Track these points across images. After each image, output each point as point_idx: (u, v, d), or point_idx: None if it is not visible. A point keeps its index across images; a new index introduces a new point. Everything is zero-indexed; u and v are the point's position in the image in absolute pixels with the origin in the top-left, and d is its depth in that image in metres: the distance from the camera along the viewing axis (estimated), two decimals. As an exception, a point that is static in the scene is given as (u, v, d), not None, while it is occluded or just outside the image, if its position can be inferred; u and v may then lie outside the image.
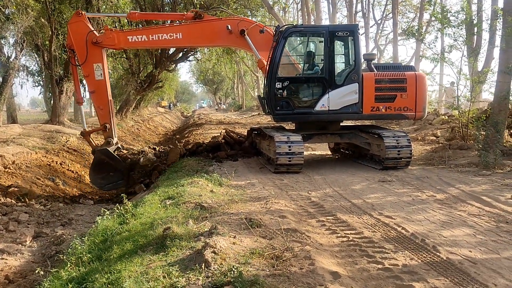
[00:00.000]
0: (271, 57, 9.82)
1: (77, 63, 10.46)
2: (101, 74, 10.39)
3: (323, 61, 9.86)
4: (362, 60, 10.06)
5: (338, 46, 10.22)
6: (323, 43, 9.81)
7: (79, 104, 11.57)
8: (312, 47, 10.45)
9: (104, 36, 10.37)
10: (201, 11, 10.80)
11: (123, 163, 10.96)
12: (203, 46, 9.45)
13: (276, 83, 9.79)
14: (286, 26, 10.21)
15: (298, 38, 10.66)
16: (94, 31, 10.56)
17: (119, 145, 11.49)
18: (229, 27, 10.20)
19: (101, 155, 10.76)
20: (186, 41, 10.82)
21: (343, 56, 10.25)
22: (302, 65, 10.44)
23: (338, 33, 9.88)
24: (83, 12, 10.65)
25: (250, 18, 24.13)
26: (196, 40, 10.78)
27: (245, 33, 10.15)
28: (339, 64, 10.21)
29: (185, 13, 10.83)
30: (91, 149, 11.17)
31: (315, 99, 9.86)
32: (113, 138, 10.87)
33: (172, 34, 10.34)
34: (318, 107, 9.80)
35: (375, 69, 9.90)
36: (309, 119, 10.15)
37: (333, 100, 9.78)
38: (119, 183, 10.90)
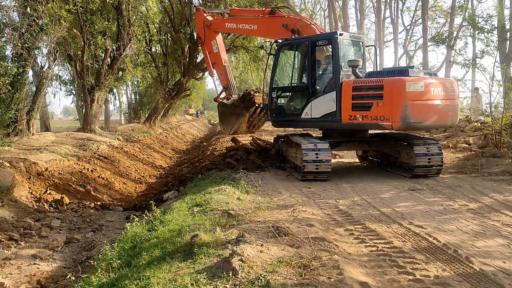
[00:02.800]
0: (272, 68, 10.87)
1: (203, 44, 13.21)
2: (216, 47, 12.79)
3: (306, 71, 10.26)
4: (344, 67, 9.73)
5: (321, 55, 10.28)
6: (306, 54, 10.17)
7: (212, 76, 13.69)
8: (298, 57, 10.84)
9: (213, 21, 12.80)
10: (275, 8, 11.93)
11: (234, 108, 12.31)
12: (269, 38, 10.90)
13: (272, 92, 10.87)
14: (280, 39, 10.84)
15: (290, 50, 11.14)
16: (207, 17, 12.96)
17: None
18: (285, 24, 11.05)
19: (220, 107, 12.98)
20: (258, 32, 12.31)
21: (324, 64, 10.23)
22: (291, 75, 11.15)
23: (318, 43, 10.03)
24: (200, 8, 13.87)
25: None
26: (264, 32, 12.03)
27: (298, 32, 10.73)
28: (321, 73, 10.26)
29: (264, 9, 12.42)
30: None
31: (301, 107, 10.32)
32: (232, 95, 12.73)
33: (251, 25, 11.99)
34: (303, 115, 10.22)
35: (361, 76, 9.47)
36: (297, 126, 11.26)
37: (315, 108, 10.00)
38: (235, 121, 12.43)
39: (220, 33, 13.20)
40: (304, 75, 10.53)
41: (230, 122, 12.57)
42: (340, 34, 9.87)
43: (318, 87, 10.08)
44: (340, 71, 9.60)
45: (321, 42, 10.03)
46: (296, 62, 10.96)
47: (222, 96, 13.25)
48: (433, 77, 9.31)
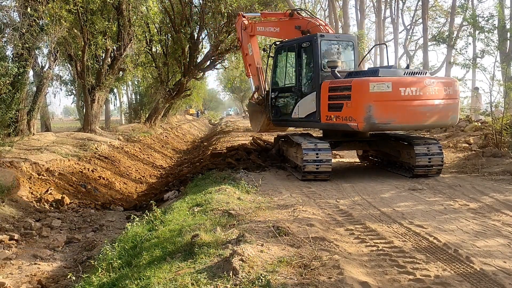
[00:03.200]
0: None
1: (241, 46, 13.79)
2: (251, 50, 13.19)
3: (295, 72, 10.65)
4: (325, 67, 9.83)
5: (305, 56, 10.54)
6: (295, 55, 10.61)
7: (248, 77, 14.07)
8: (290, 59, 11.16)
9: (248, 25, 13.17)
10: (293, 10, 12.46)
11: (259, 106, 12.69)
12: (288, 39, 11.58)
13: (271, 93, 11.52)
14: (278, 42, 11.61)
15: (284, 52, 11.43)
16: (244, 21, 13.35)
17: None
18: (298, 26, 11.38)
19: (249, 107, 13.99)
20: (280, 34, 12.44)
21: (309, 66, 10.41)
22: (284, 76, 11.50)
23: (303, 45, 10.36)
24: (240, 13, 14.37)
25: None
26: (284, 34, 12.21)
27: (308, 33, 10.94)
28: (306, 74, 10.48)
29: (286, 11, 13.02)
30: None
31: (292, 107, 10.71)
32: (262, 95, 12.85)
33: (274, 28, 12.35)
34: (293, 115, 10.65)
35: (339, 77, 9.45)
36: (290, 125, 11.71)
37: (301, 108, 10.37)
38: (261, 120, 12.73)
39: (255, 37, 13.50)
40: (294, 76, 10.88)
41: (258, 120, 12.93)
42: (321, 36, 10.05)
43: (304, 88, 10.37)
44: (320, 72, 9.78)
45: (305, 44, 10.31)
46: (288, 64, 11.32)
47: (255, 96, 13.52)
48: (413, 77, 8.94)
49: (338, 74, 9.49)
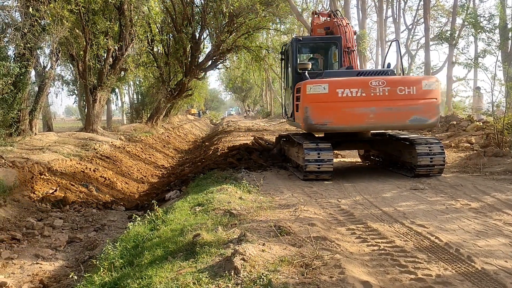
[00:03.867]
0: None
1: None
2: None
3: (287, 74, 11.45)
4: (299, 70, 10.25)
5: (288, 59, 11.20)
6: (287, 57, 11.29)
7: None
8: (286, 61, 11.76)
9: (313, 27, 12.95)
10: (330, 12, 12.96)
11: None
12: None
13: (283, 93, 12.50)
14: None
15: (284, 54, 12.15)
16: (315, 21, 13.11)
17: None
18: (327, 27, 11.95)
19: None
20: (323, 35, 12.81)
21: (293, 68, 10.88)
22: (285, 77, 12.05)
23: (288, 48, 11.05)
24: (315, 10, 14.99)
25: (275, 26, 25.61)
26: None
27: (332, 33, 11.56)
28: (289, 76, 11.13)
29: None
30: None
31: (288, 107, 11.36)
32: None
33: (320, 30, 12.38)
34: (288, 114, 11.26)
35: (308, 78, 9.55)
36: (289, 123, 12.11)
37: (289, 108, 11.09)
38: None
39: None
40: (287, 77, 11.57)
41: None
42: (297, 40, 10.68)
43: (290, 89, 10.99)
44: (296, 74, 10.35)
45: (289, 48, 10.94)
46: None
47: None
48: (356, 78, 8.92)
49: (308, 76, 9.74)
